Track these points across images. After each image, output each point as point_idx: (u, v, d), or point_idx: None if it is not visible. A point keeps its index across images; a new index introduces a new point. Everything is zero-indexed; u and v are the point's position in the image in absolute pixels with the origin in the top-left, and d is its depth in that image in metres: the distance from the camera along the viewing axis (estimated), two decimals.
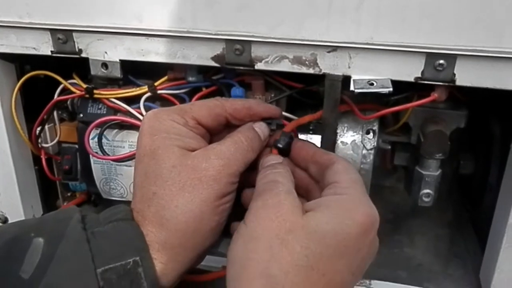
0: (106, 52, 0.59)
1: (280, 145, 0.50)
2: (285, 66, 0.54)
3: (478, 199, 0.75)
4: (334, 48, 0.52)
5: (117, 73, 0.60)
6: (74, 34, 0.59)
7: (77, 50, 0.60)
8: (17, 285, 0.38)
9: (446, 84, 0.51)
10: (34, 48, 0.61)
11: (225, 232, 0.50)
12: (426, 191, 0.63)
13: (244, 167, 0.47)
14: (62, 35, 0.59)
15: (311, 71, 0.54)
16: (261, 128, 0.50)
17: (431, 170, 0.62)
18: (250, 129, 0.50)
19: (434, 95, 0.53)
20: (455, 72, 0.51)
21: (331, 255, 0.38)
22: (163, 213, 0.43)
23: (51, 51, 0.60)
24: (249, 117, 0.51)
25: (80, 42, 0.59)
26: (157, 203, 0.43)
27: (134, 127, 0.63)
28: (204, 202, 0.43)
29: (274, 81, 0.61)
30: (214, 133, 0.50)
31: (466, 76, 0.51)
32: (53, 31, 0.59)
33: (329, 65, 0.53)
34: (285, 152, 0.51)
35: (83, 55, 0.60)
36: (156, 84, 0.62)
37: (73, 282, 0.39)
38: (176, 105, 0.51)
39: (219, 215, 0.45)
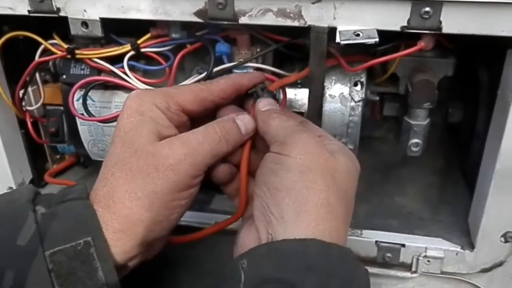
0: (85, 10, 0.57)
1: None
2: (270, 19, 0.53)
3: (466, 146, 0.75)
4: None
5: (98, 32, 0.58)
6: None
7: (55, 8, 0.58)
8: None
9: (433, 32, 0.51)
10: (10, 8, 0.59)
11: (216, 188, 0.50)
12: (415, 141, 0.63)
13: (212, 159, 0.45)
14: None
15: (296, 23, 0.53)
16: (244, 121, 0.48)
17: (419, 120, 0.62)
18: (229, 120, 0.47)
19: (421, 44, 0.52)
20: (441, 19, 0.50)
21: (351, 188, 0.45)
22: (113, 194, 0.42)
23: (28, 11, 0.58)
24: (236, 92, 0.49)
25: (58, 0, 0.57)
26: (110, 184, 0.43)
27: (119, 87, 0.62)
28: (155, 193, 0.42)
29: (259, 35, 0.59)
30: (197, 122, 0.48)
31: (453, 23, 0.50)
32: None
33: (314, 16, 0.52)
34: None
35: (62, 14, 0.58)
36: (139, 42, 0.61)
37: (21, 265, 0.38)
38: (162, 88, 0.49)
39: (170, 211, 0.43)
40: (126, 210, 0.42)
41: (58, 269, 0.38)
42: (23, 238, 0.39)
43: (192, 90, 0.47)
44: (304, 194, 0.40)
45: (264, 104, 0.49)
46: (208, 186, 0.47)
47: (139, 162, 0.42)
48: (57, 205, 0.41)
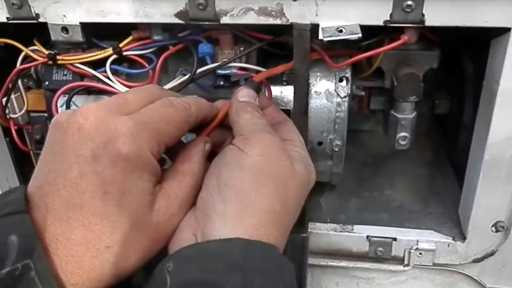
0: (64, 16, 0.57)
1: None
2: (251, 18, 0.53)
3: (454, 137, 0.75)
4: None
5: (78, 37, 0.58)
6: None
7: (34, 15, 0.57)
8: None
9: (416, 25, 0.50)
10: None
11: None
12: (402, 134, 0.63)
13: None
14: (16, 0, 0.56)
15: (278, 21, 0.52)
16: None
17: (406, 113, 0.62)
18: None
19: (404, 38, 0.52)
20: (424, 12, 0.50)
21: (300, 198, 0.45)
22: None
23: (7, 18, 0.57)
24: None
25: (36, 6, 0.57)
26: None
27: (103, 92, 0.62)
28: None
29: (242, 34, 0.59)
30: None
31: (435, 15, 0.50)
32: None
33: (296, 14, 0.52)
34: None
35: (41, 20, 0.57)
36: (121, 45, 0.60)
37: None
38: (152, 126, 0.40)
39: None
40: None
41: None
42: None
43: (178, 126, 0.43)
44: (251, 198, 0.40)
45: (243, 94, 0.49)
46: None
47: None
48: None
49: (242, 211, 0.40)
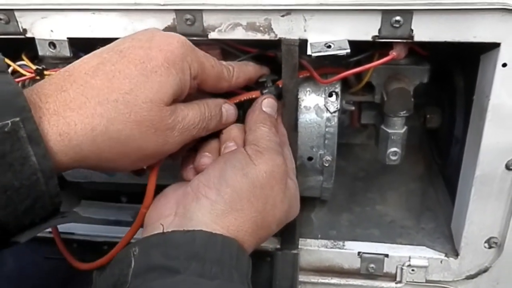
0: (52, 31, 0.56)
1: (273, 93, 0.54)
2: (240, 34, 0.52)
3: (446, 151, 0.75)
4: (288, 12, 0.50)
5: (66, 52, 0.57)
6: (16, 13, 0.56)
7: (21, 30, 0.57)
8: None
9: (405, 40, 0.50)
10: None
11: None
12: (393, 150, 0.62)
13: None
14: (3, 15, 0.56)
15: (266, 37, 0.52)
16: (228, 112, 0.51)
17: (397, 128, 0.61)
18: (216, 106, 0.49)
19: (393, 54, 0.52)
20: (412, 27, 0.50)
21: (284, 219, 0.50)
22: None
23: None
24: (246, 83, 0.53)
25: (24, 21, 0.56)
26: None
27: None
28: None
29: (231, 48, 0.58)
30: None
31: (424, 31, 0.50)
32: None
33: (284, 29, 0.51)
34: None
35: (28, 35, 0.57)
36: None
37: None
38: (201, 53, 0.47)
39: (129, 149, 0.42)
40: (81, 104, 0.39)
41: None
42: None
43: (218, 75, 0.48)
44: (243, 204, 0.44)
45: (267, 104, 0.53)
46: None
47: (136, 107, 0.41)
48: None
49: (230, 210, 0.44)
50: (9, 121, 0.33)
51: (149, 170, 0.48)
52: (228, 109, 0.51)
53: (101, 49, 0.44)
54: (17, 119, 0.34)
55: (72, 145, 0.38)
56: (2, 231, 0.36)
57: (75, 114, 0.38)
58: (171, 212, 0.46)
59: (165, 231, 0.43)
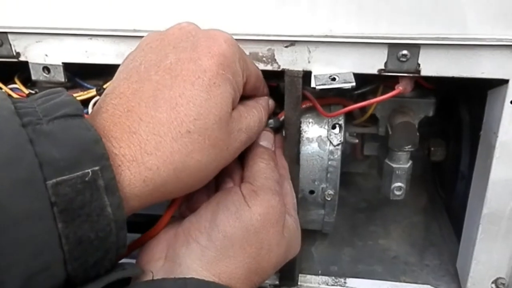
0: (46, 55, 0.55)
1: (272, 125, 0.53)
2: None
3: (450, 186, 0.73)
4: (292, 43, 0.49)
5: (60, 77, 0.55)
6: (9, 36, 0.54)
7: (14, 53, 0.55)
8: None
9: (411, 75, 0.49)
10: None
11: None
12: (398, 185, 0.60)
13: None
14: None
15: (269, 67, 0.51)
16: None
17: (401, 163, 0.59)
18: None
19: (399, 88, 0.50)
20: (419, 62, 0.48)
21: (276, 264, 0.46)
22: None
23: None
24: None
25: (17, 44, 0.55)
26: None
27: None
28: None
29: None
30: None
31: (431, 65, 0.48)
32: None
33: (287, 60, 0.50)
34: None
35: (22, 58, 0.55)
36: (105, 86, 0.57)
37: (12, 199, 0.29)
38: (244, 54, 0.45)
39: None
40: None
41: (62, 203, 0.31)
42: (17, 163, 0.30)
43: (258, 74, 0.47)
44: (235, 251, 0.42)
45: (264, 137, 0.51)
46: None
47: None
48: (50, 121, 0.32)
49: (221, 257, 0.41)
50: (89, 170, 0.32)
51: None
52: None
53: (144, 66, 0.39)
54: (97, 168, 0.32)
55: (156, 187, 0.37)
56: (68, 285, 0.33)
57: (153, 158, 0.36)
58: (161, 256, 0.42)
59: (154, 278, 0.40)
